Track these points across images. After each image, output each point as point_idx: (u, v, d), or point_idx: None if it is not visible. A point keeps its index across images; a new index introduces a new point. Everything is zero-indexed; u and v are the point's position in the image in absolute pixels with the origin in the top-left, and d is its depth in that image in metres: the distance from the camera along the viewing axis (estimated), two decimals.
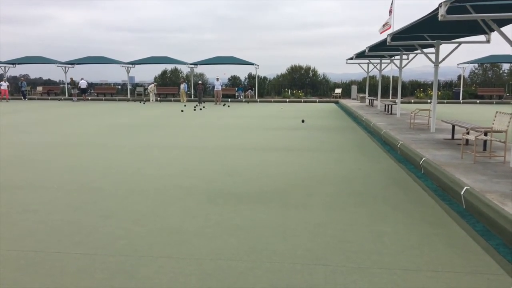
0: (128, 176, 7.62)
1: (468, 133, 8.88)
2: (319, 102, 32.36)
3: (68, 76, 35.41)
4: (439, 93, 31.56)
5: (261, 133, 13.62)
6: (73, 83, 33.82)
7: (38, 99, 34.94)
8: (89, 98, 34.78)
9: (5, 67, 36.38)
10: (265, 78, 39.32)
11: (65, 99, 33.75)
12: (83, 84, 33.55)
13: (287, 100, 33.00)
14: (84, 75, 34.47)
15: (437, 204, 5.90)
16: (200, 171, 8.04)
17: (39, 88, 37.89)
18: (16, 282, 3.63)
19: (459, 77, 34.73)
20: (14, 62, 36.78)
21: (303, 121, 17.56)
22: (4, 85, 32.05)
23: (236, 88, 34.97)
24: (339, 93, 34.92)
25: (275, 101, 32.39)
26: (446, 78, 40.99)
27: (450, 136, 11.00)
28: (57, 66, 36.06)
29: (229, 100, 32.50)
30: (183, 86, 31.30)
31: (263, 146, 11.07)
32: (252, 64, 34.38)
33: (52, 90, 37.93)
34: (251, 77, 37.75)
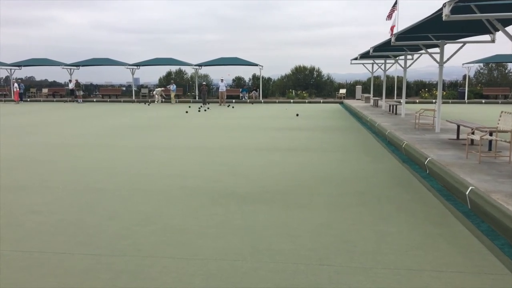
0: (132, 176, 7.64)
1: (473, 133, 8.83)
2: (323, 102, 32.31)
3: (73, 78, 35.62)
4: (444, 93, 31.44)
5: (265, 134, 13.62)
6: (78, 85, 34.05)
7: (43, 101, 35.15)
8: (94, 100, 34.99)
9: (11, 69, 36.63)
10: (269, 79, 39.32)
11: (70, 101, 33.92)
12: (71, 85, 34.03)
13: (292, 100, 32.99)
14: (89, 77, 34.94)
15: (442, 204, 5.87)
16: (204, 171, 8.06)
17: (45, 90, 38.10)
18: (20, 283, 3.65)
19: (464, 77, 34.58)
20: (19, 64, 37.03)
21: (297, 115, 20.33)
22: (14, 87, 32.44)
23: (241, 89, 35.01)
24: (344, 94, 34.87)
25: (279, 102, 32.39)
26: (451, 78, 40.83)
27: (455, 136, 10.96)
28: (62, 68, 36.26)
29: (234, 101, 32.53)
30: (172, 87, 31.52)
31: (267, 146, 11.07)
32: (256, 65, 34.41)
33: (57, 92, 38.12)
34: (255, 78, 37.79)
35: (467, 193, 5.81)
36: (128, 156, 9.72)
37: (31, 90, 37.75)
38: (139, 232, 4.84)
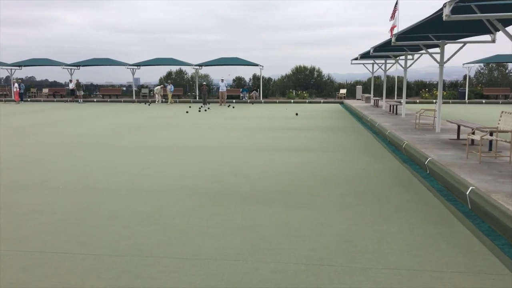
0: (133, 176, 7.65)
1: (473, 133, 8.84)
2: (324, 102, 32.31)
3: (73, 78, 35.63)
4: (445, 93, 31.44)
5: (266, 134, 13.62)
6: (78, 85, 34.07)
7: (44, 101, 35.16)
8: (95, 100, 35.01)
9: (11, 69, 36.65)
10: (269, 79, 39.32)
11: (70, 101, 33.93)
12: (72, 85, 34.09)
13: (292, 101, 32.99)
14: (90, 77, 34.99)
15: (442, 204, 5.88)
16: (204, 171, 8.06)
17: (45, 90, 38.13)
18: (22, 283, 3.66)
19: (465, 77, 34.57)
20: (20, 65, 37.05)
21: (296, 114, 20.97)
22: (14, 87, 32.50)
23: (241, 89, 35.02)
24: (344, 94, 34.88)
25: (279, 102, 32.39)
26: (452, 78, 40.84)
27: (455, 136, 10.96)
28: (63, 68, 36.28)
29: (234, 101, 32.53)
30: (170, 87, 31.64)
31: (268, 146, 11.07)
32: (257, 65, 34.41)
33: (58, 92, 38.15)
34: (255, 78, 37.80)
35: (467, 193, 5.81)
36: (129, 156, 9.72)
37: (31, 90, 37.78)
38: (139, 232, 4.85)
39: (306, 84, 38.56)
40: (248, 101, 33.05)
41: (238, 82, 38.66)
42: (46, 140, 12.30)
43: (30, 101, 34.65)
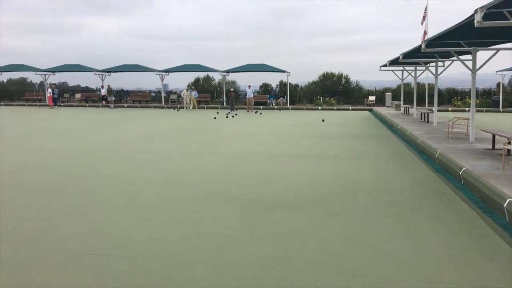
0: (165, 182, 7.76)
1: (509, 143, 8.57)
2: (352, 109, 31.98)
3: (105, 84, 36.48)
4: (478, 101, 30.62)
5: (294, 141, 13.58)
6: (110, 90, 34.87)
7: (76, 106, 36.13)
8: (125, 105, 35.77)
9: (45, 75, 37.85)
10: (296, 85, 39.23)
11: (102, 106, 34.73)
12: (104, 91, 34.90)
13: (319, 107, 32.79)
14: (120, 83, 35.69)
15: (478, 216, 5.71)
16: (235, 178, 8.10)
17: (78, 95, 39.20)
18: (56, 283, 3.76)
19: (498, 84, 33.59)
20: (54, 70, 38.22)
21: (323, 120, 21.06)
22: (48, 92, 33.60)
23: (268, 96, 35.05)
24: (373, 101, 34.41)
25: (307, 109, 32.26)
26: (485, 86, 39.70)
27: (490, 146, 10.65)
28: (94, 74, 37.23)
29: (261, 107, 32.58)
30: (193, 93, 32.05)
31: (297, 153, 11.03)
32: (284, 71, 34.40)
33: (89, 97, 39.15)
34: (282, 85, 37.79)
35: (505, 205, 5.63)
36: (161, 162, 9.87)
37: (64, 95, 38.90)
38: (172, 237, 4.90)
39: (334, 90, 38.28)
40: (276, 107, 33.05)
41: (265, 88, 38.72)
42: (81, 145, 12.62)
43: (63, 105, 35.66)
